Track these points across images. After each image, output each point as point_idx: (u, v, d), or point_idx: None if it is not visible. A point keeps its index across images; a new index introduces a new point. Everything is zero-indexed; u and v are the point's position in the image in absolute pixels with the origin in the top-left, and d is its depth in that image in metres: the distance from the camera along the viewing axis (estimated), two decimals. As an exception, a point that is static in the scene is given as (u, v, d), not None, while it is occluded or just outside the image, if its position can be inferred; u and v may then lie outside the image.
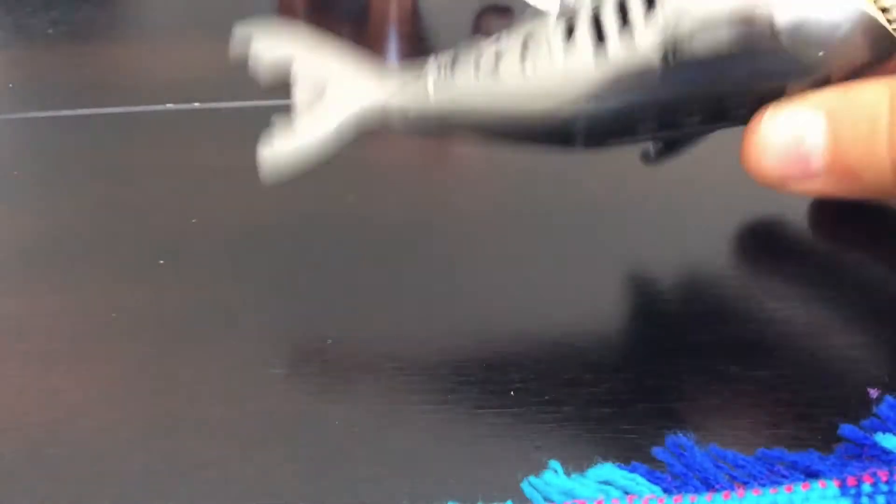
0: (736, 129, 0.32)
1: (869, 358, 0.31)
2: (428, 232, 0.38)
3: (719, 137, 0.33)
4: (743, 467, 0.25)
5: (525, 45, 0.32)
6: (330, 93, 0.33)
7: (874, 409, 0.26)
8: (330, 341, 0.32)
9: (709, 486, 0.25)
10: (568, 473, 0.25)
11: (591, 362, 0.31)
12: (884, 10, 0.29)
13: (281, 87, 0.48)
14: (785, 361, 0.31)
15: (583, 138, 0.32)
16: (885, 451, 0.25)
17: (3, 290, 0.34)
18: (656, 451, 0.26)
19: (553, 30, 0.32)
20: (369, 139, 0.44)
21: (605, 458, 0.27)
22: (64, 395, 0.30)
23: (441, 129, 0.33)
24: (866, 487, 0.24)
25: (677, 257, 0.36)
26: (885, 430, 0.26)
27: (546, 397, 0.30)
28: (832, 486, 0.24)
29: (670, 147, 0.34)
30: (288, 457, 0.28)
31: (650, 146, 0.35)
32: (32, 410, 0.29)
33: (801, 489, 0.24)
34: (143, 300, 0.34)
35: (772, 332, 0.32)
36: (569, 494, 0.24)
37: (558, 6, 0.32)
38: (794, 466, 0.25)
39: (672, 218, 0.38)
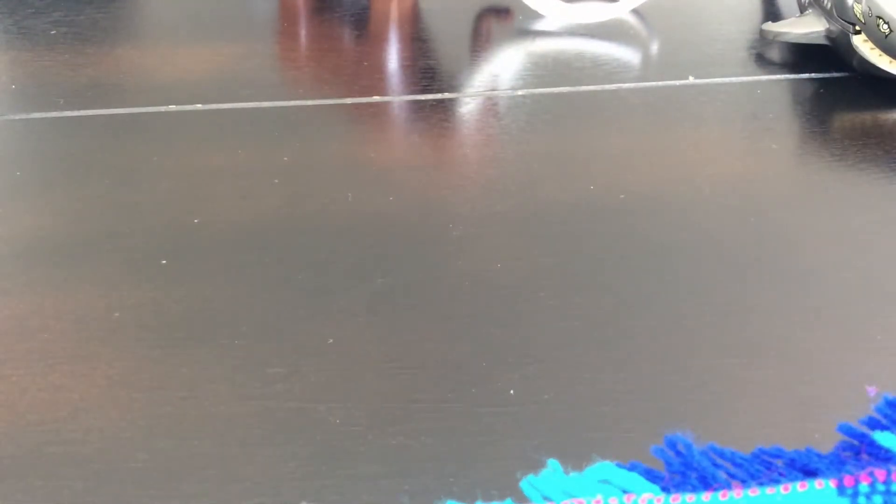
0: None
1: (867, 356, 0.31)
2: (428, 231, 0.38)
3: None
4: (741, 465, 0.25)
5: None
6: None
7: (872, 407, 0.26)
8: (330, 341, 0.32)
9: (707, 484, 0.25)
10: (566, 472, 0.25)
11: (589, 362, 0.31)
12: None
13: (281, 88, 0.48)
14: (783, 360, 0.31)
15: None
16: (884, 449, 0.25)
17: (3, 290, 0.35)
18: (655, 449, 0.26)
19: None
20: (369, 139, 0.44)
21: (604, 457, 0.27)
22: (65, 394, 0.30)
23: None
24: (863, 487, 0.24)
25: (677, 257, 0.36)
26: (883, 428, 0.26)
27: (545, 397, 0.30)
28: (829, 485, 0.24)
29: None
30: (288, 455, 0.28)
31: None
32: (33, 410, 0.30)
33: (798, 489, 0.24)
34: (145, 300, 0.34)
35: (771, 331, 0.33)
36: (567, 493, 0.24)
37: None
38: (791, 464, 0.25)
39: (674, 217, 0.38)
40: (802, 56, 0.52)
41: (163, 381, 0.31)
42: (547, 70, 0.50)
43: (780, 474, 0.25)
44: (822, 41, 0.50)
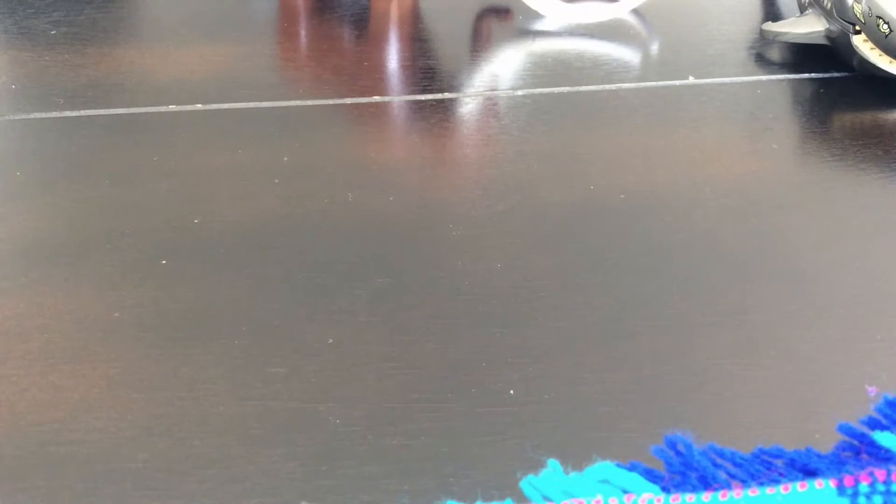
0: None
1: (867, 356, 0.31)
2: (427, 232, 0.38)
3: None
4: (741, 465, 0.25)
5: None
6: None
7: (872, 407, 0.26)
8: (330, 341, 0.32)
9: (707, 484, 0.25)
10: (566, 472, 0.25)
11: (589, 362, 0.31)
12: None
13: (281, 88, 0.48)
14: (783, 360, 0.31)
15: None
16: (884, 449, 0.25)
17: (3, 290, 0.35)
18: (655, 449, 0.26)
19: None
20: (369, 139, 0.44)
21: (604, 457, 0.27)
22: (65, 394, 0.30)
23: None
24: (863, 487, 0.24)
25: (677, 257, 0.36)
26: (883, 428, 0.26)
27: (545, 397, 0.30)
28: (829, 485, 0.24)
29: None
30: (288, 455, 0.28)
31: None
32: (34, 410, 0.30)
33: (798, 489, 0.24)
34: (145, 300, 0.34)
35: (771, 331, 0.33)
36: (567, 493, 0.24)
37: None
38: (791, 464, 0.25)
39: (674, 217, 0.38)
40: (802, 56, 0.52)
41: (163, 381, 0.31)
42: (547, 70, 0.50)
43: (780, 474, 0.25)
44: (822, 41, 0.51)
